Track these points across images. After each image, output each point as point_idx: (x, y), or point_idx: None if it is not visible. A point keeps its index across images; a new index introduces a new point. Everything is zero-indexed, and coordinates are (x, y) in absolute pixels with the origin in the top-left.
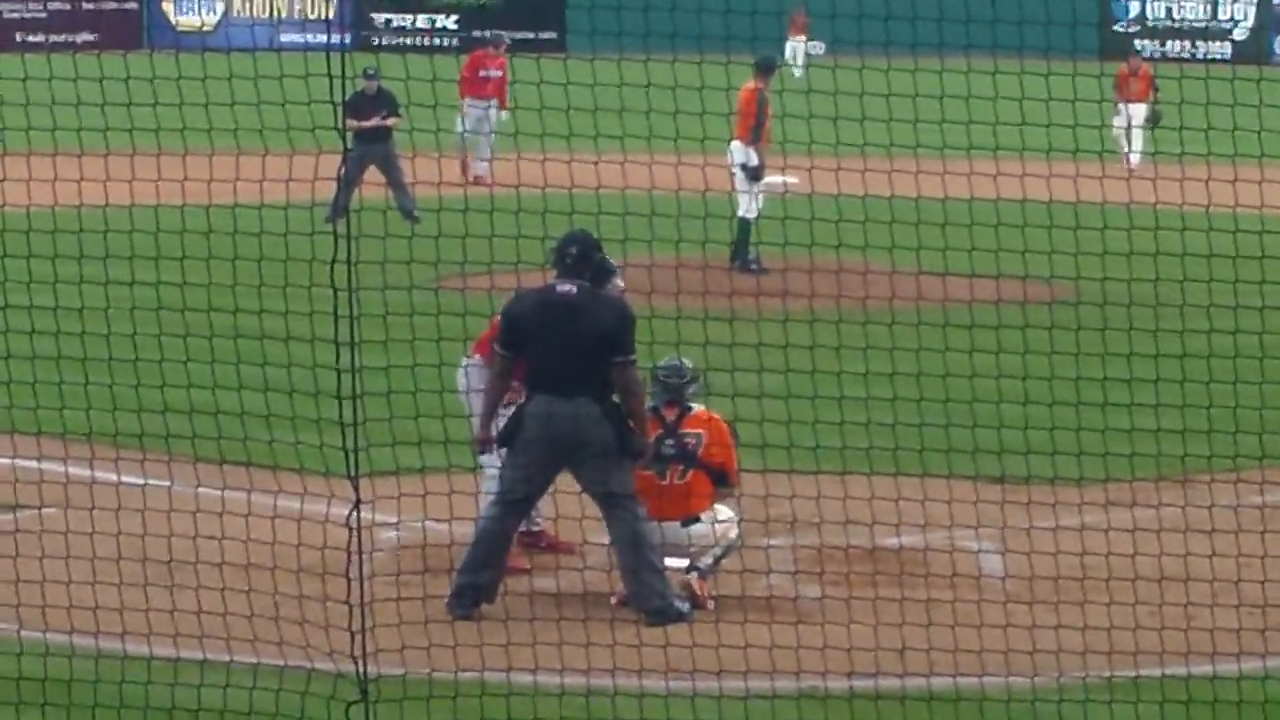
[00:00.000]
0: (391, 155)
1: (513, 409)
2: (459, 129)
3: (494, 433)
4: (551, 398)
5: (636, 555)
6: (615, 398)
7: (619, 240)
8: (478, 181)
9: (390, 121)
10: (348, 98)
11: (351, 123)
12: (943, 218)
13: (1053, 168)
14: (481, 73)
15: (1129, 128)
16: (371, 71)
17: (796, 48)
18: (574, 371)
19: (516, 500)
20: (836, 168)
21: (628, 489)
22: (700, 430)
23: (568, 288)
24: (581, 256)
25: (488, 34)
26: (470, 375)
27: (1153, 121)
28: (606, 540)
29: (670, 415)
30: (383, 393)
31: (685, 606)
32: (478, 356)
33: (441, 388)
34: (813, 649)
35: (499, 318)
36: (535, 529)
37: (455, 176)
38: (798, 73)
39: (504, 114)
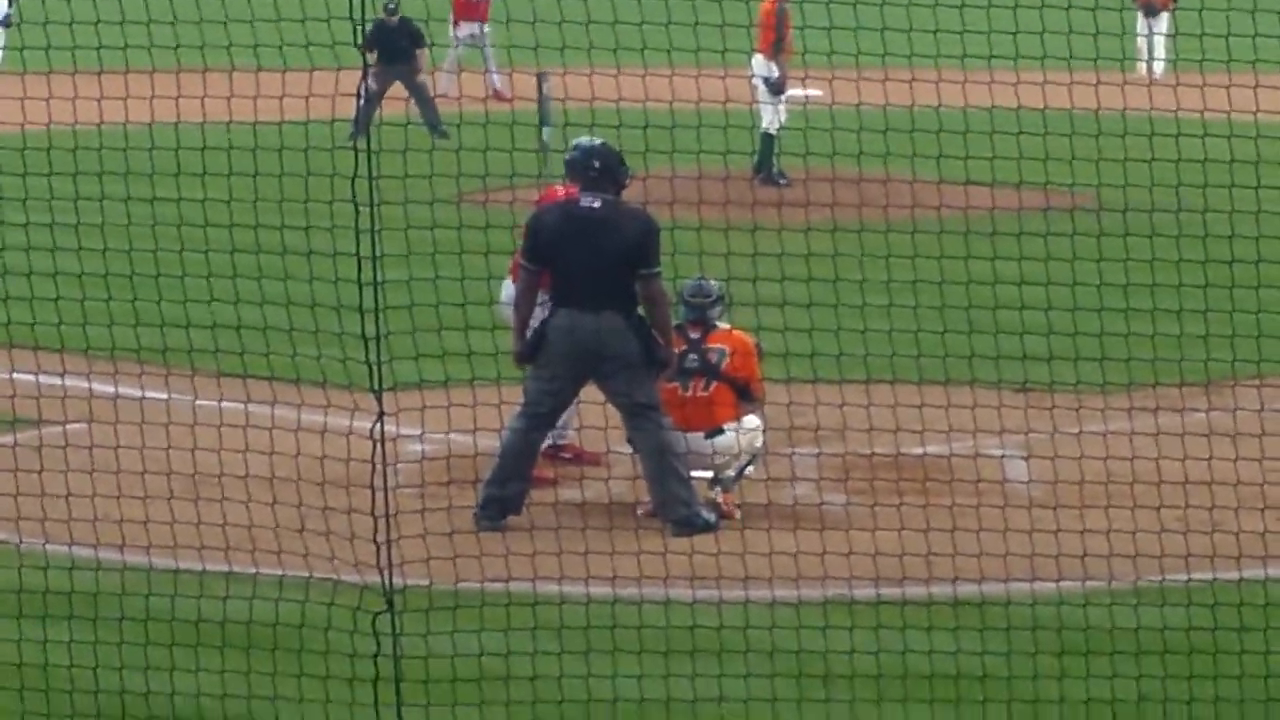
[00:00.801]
0: (415, 73)
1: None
2: (456, 47)
3: None
4: (576, 311)
5: (662, 465)
6: (640, 310)
7: (640, 153)
8: (497, 96)
9: (421, 59)
10: (368, 29)
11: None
12: (964, 126)
13: (1074, 75)
14: None
15: (1150, 36)
16: (392, 6)
17: None
18: (599, 285)
19: (542, 413)
20: (857, 78)
21: (653, 399)
22: (724, 345)
23: (592, 201)
24: (605, 170)
25: None
26: (508, 291)
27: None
28: (631, 450)
29: (695, 333)
30: (405, 306)
31: (712, 516)
32: (510, 281)
33: (464, 300)
34: (838, 556)
35: (524, 231)
36: (562, 441)
37: (475, 91)
38: None
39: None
